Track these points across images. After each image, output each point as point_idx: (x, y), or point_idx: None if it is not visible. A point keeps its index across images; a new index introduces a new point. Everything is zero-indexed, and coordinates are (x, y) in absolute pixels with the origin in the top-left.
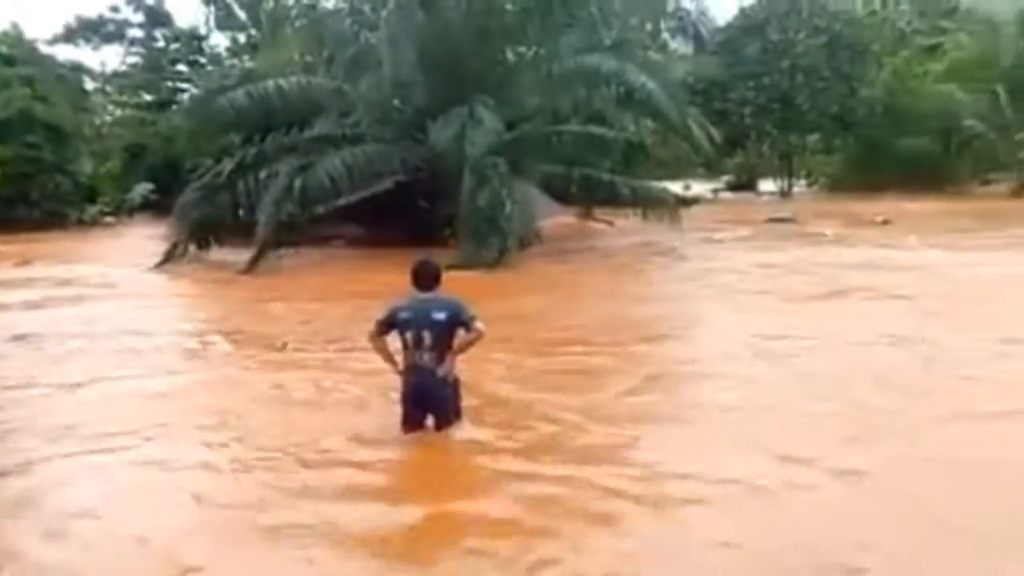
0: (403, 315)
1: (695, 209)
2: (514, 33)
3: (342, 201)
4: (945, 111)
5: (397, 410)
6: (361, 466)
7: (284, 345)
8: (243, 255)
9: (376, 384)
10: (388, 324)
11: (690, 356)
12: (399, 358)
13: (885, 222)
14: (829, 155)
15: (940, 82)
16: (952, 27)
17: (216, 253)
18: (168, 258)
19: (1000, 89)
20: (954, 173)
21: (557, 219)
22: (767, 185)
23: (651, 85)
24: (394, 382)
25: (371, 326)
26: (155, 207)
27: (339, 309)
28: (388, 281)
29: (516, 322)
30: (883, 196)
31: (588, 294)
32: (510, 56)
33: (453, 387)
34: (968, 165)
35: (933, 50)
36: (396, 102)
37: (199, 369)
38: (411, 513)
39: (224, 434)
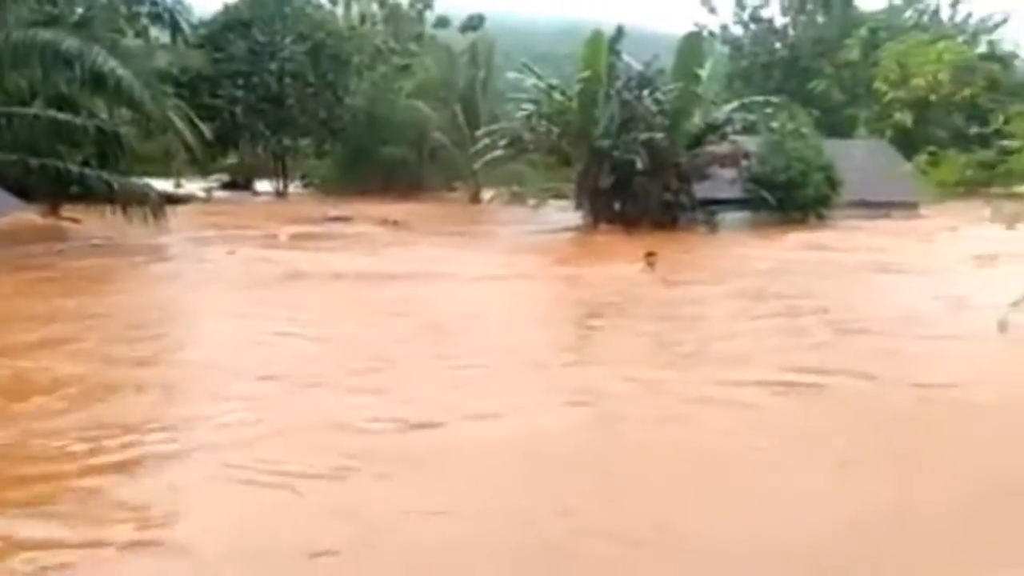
0: None
1: (231, 208)
2: None
3: None
4: (416, 124)
5: None
6: None
7: None
8: None
9: None
10: None
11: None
12: None
13: (395, 223)
14: (320, 159)
15: (412, 98)
16: (419, 51)
17: None
18: None
19: (457, 108)
20: (427, 180)
21: (14, 216)
22: (264, 185)
23: (122, 71)
24: None
25: None
26: None
27: None
28: None
29: None
30: (370, 199)
31: (43, 304)
32: None
33: None
34: (438, 174)
35: (405, 69)
36: None
37: None
38: None
39: None
